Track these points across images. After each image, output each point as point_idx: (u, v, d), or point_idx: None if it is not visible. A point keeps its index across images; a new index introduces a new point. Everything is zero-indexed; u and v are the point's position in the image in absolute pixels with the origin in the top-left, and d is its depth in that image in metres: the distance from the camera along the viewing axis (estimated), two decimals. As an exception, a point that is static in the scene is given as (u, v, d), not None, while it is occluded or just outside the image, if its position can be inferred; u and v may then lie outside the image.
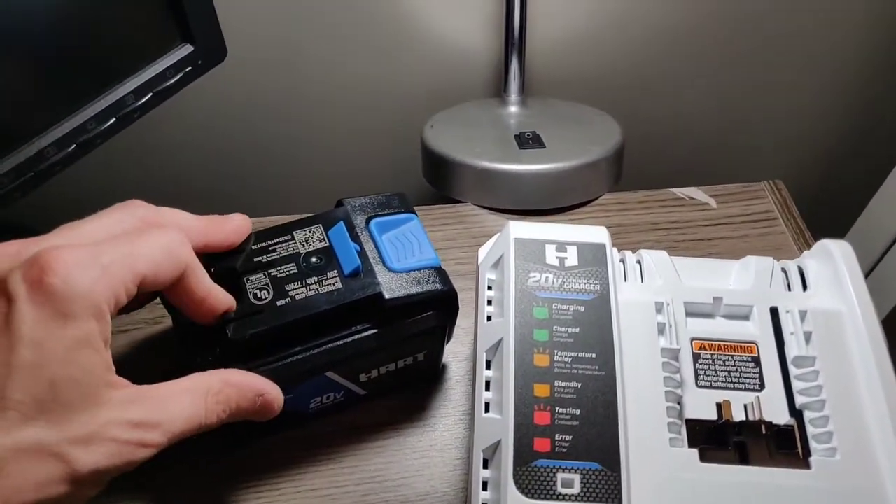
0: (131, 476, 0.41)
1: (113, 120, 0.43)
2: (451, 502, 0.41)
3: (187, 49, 0.45)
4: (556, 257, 0.39)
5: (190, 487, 0.42)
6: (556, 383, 0.35)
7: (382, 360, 0.42)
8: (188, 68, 0.45)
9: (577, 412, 0.34)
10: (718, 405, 0.36)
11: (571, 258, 0.39)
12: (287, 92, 0.63)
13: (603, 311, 0.37)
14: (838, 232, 0.77)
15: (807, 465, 0.34)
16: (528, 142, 0.55)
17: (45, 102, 0.41)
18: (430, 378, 0.46)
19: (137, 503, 0.41)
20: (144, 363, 0.46)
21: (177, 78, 0.45)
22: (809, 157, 0.73)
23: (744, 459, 0.34)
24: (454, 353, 0.47)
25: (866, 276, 0.76)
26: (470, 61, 0.63)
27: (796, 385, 0.36)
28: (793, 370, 0.37)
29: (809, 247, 0.52)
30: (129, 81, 0.44)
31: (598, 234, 0.40)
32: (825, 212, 0.76)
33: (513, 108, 0.60)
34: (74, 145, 0.42)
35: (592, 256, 0.39)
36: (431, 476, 0.42)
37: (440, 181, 0.56)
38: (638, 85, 0.66)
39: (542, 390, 0.35)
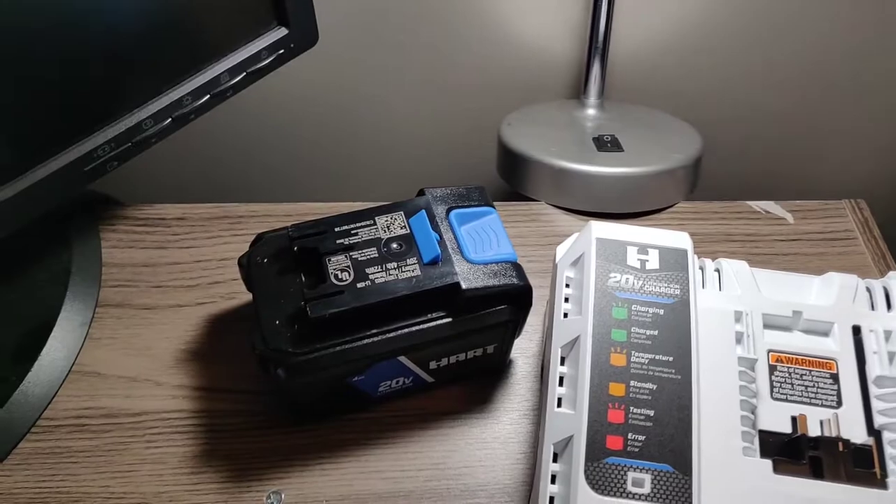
0: (207, 441, 0.43)
1: (207, 97, 0.45)
2: (512, 495, 0.42)
3: (281, 32, 0.46)
4: (638, 259, 0.39)
5: (260, 455, 0.43)
6: (632, 383, 0.35)
7: (454, 349, 0.42)
8: (281, 51, 0.47)
9: (652, 413, 0.34)
10: (794, 419, 0.36)
11: (653, 261, 0.39)
12: (370, 82, 0.64)
13: (682, 315, 0.37)
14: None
15: (884, 486, 0.33)
16: (607, 144, 0.55)
17: (147, 76, 0.43)
18: (497, 371, 0.46)
19: (208, 469, 0.42)
20: (217, 337, 0.48)
21: (269, 60, 0.46)
22: (892, 175, 0.71)
23: (818, 474, 0.34)
24: (522, 349, 0.47)
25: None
26: (550, 62, 0.63)
27: (876, 405, 0.36)
28: (873, 389, 0.36)
29: (890, 269, 0.51)
30: (224, 60, 0.45)
31: (680, 239, 0.40)
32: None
33: (591, 111, 0.60)
34: (170, 119, 0.43)
35: (674, 261, 0.39)
36: (493, 467, 0.43)
37: (515, 178, 0.56)
38: (718, 94, 0.65)
39: (617, 389, 0.35)
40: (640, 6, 0.60)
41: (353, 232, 0.42)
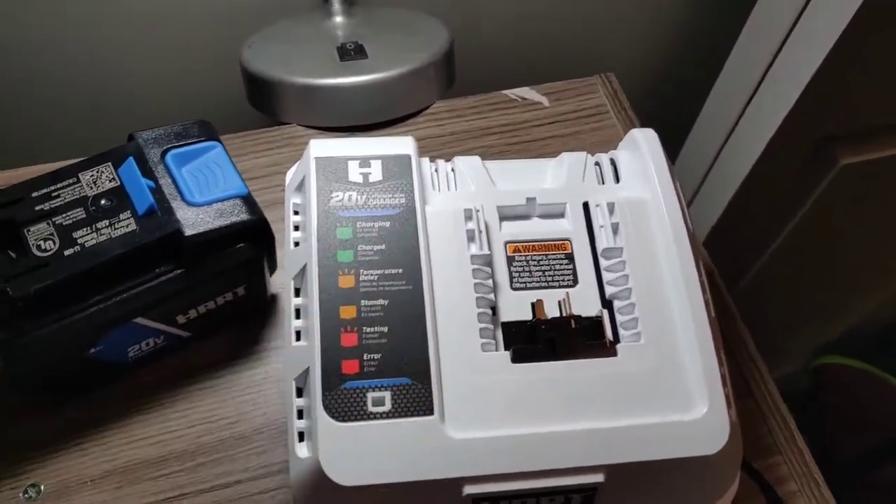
0: None
1: None
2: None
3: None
4: (360, 173, 0.37)
5: (9, 450, 0.39)
6: (363, 303, 0.34)
7: (197, 299, 0.40)
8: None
9: (385, 329, 0.33)
10: (532, 305, 0.36)
11: (376, 173, 0.37)
12: (87, 19, 0.57)
13: (408, 224, 0.36)
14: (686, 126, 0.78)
15: (614, 353, 0.34)
16: (350, 53, 0.52)
17: None
18: (258, 311, 0.44)
19: (-52, 480, 0.38)
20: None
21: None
22: (648, 53, 0.73)
23: (555, 355, 0.34)
24: (283, 283, 0.45)
25: (710, 167, 0.79)
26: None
27: (606, 276, 0.37)
28: (603, 262, 0.37)
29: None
30: None
31: (403, 145, 0.38)
32: (671, 106, 0.77)
33: (337, 19, 0.56)
34: None
35: (398, 169, 0.37)
36: (266, 409, 0.41)
37: (263, 104, 0.53)
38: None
39: (348, 312, 0.34)
40: None
41: (54, 195, 0.38)
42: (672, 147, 0.83)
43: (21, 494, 0.38)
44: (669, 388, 0.34)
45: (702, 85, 0.73)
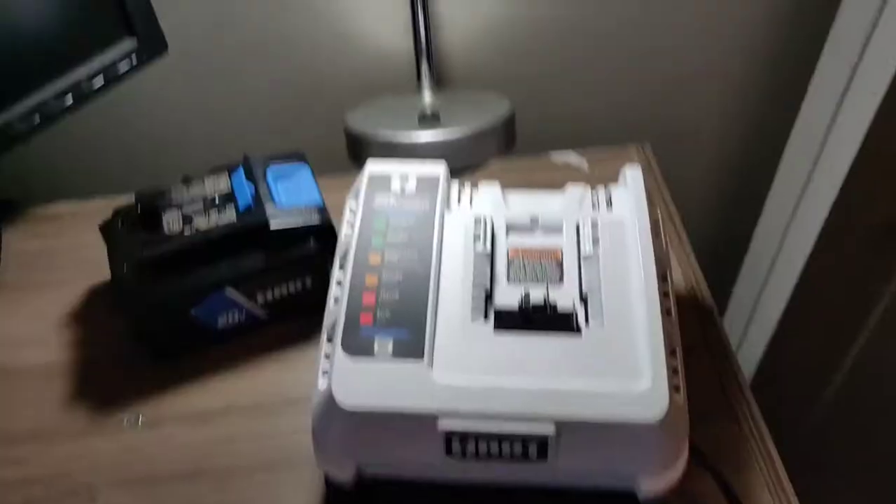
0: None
1: (70, 101, 0.55)
2: (330, 395, 0.50)
3: (132, 42, 0.57)
4: (400, 186, 0.48)
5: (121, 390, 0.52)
6: (384, 274, 0.44)
7: (273, 281, 0.52)
8: (134, 59, 0.57)
9: (397, 296, 0.43)
10: (522, 296, 0.45)
11: (411, 186, 0.48)
12: (224, 85, 0.73)
13: (429, 223, 0.46)
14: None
15: (578, 332, 0.42)
16: (427, 119, 0.65)
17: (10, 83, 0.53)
18: (322, 305, 0.55)
19: (80, 409, 0.51)
20: (100, 299, 0.57)
21: (126, 69, 0.57)
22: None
23: (530, 329, 0.42)
24: (347, 285, 0.56)
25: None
26: (393, 59, 0.74)
27: (585, 277, 0.45)
28: (584, 266, 0.45)
29: (664, 201, 0.61)
30: (80, 68, 0.55)
31: (436, 168, 0.49)
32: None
33: (425, 97, 0.70)
34: (38, 115, 0.53)
35: (429, 184, 0.48)
36: (316, 378, 0.51)
37: (356, 156, 0.66)
38: (539, 74, 0.75)
39: (371, 280, 0.44)
40: (458, 6, 0.70)
41: (185, 192, 0.52)
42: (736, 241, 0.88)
43: (125, 422, 0.50)
44: (620, 365, 0.40)
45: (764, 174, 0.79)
